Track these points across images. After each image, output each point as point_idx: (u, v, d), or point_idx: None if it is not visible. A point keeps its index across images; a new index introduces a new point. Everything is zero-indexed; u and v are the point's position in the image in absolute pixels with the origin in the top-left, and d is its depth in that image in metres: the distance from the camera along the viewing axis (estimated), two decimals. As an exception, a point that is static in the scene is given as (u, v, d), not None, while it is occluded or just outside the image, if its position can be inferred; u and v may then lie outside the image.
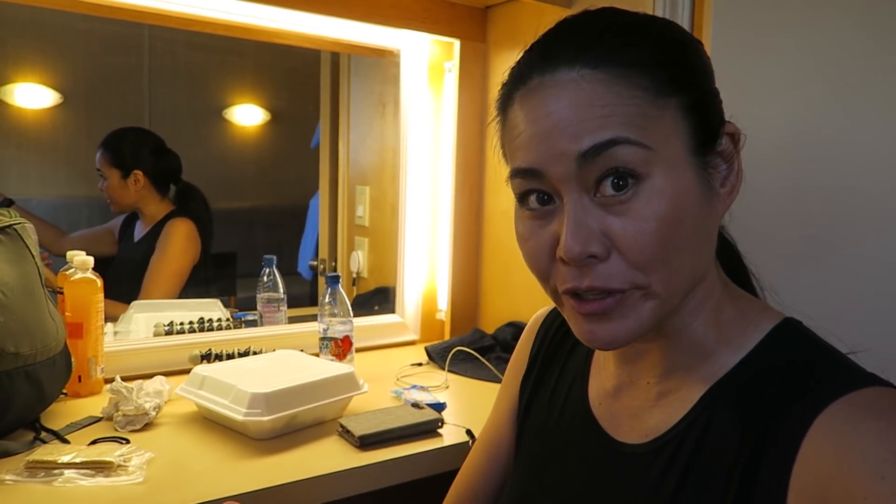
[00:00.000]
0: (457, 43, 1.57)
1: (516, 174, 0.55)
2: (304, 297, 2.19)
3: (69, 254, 1.18)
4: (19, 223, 1.04)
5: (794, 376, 0.51)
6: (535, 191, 0.54)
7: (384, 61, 1.80)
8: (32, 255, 1.04)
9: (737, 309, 0.58)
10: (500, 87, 0.58)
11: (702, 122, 0.53)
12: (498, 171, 1.58)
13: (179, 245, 1.74)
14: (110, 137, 1.79)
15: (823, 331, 0.56)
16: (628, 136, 0.50)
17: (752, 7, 1.02)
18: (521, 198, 0.56)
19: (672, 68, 0.52)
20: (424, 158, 1.66)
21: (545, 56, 0.54)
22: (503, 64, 1.56)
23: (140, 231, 1.78)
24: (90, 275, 1.17)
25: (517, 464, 0.73)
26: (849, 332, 0.62)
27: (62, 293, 1.16)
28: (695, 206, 0.52)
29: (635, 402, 0.61)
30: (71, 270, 1.17)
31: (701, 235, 0.54)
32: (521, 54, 0.57)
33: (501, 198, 1.59)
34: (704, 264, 0.56)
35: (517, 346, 0.82)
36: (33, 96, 1.82)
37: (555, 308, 0.80)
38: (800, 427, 0.47)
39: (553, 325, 0.78)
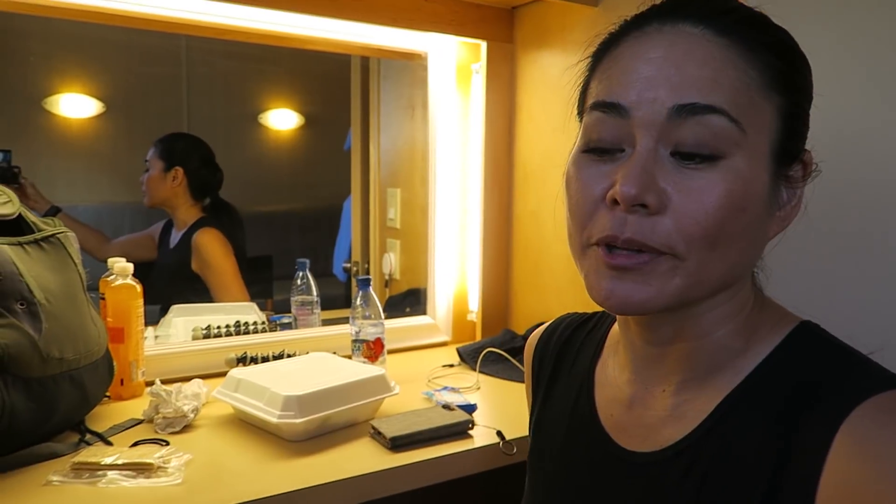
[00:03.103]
0: (483, 44, 1.57)
1: (597, 106, 0.53)
2: (339, 298, 2.22)
3: (110, 261, 1.22)
4: (62, 232, 1.08)
5: (814, 381, 0.50)
6: (605, 145, 0.52)
7: (413, 64, 1.81)
8: (75, 263, 1.08)
9: (762, 318, 0.57)
10: (604, 35, 0.57)
11: (790, 135, 0.52)
12: (527, 171, 1.59)
13: (219, 251, 1.79)
14: (167, 136, 1.87)
15: (841, 332, 0.55)
16: (729, 109, 0.48)
17: None
18: (588, 147, 0.54)
19: (787, 67, 0.52)
20: (453, 160, 1.67)
21: (671, 10, 0.53)
22: (531, 64, 1.55)
23: (175, 238, 1.83)
24: (130, 281, 1.21)
25: (529, 482, 0.72)
26: (864, 333, 0.60)
27: (104, 299, 1.20)
28: (758, 207, 0.51)
29: (649, 412, 0.59)
30: (112, 277, 1.21)
31: (750, 240, 0.52)
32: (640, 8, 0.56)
33: (530, 198, 1.58)
34: (741, 270, 0.54)
35: (525, 374, 0.81)
36: (77, 106, 1.89)
37: (549, 325, 0.79)
38: (826, 433, 0.46)
39: (550, 341, 0.76)
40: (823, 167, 0.56)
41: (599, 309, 0.63)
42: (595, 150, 0.53)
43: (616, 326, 0.67)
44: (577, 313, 0.78)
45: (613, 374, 0.65)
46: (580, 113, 0.59)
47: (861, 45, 0.92)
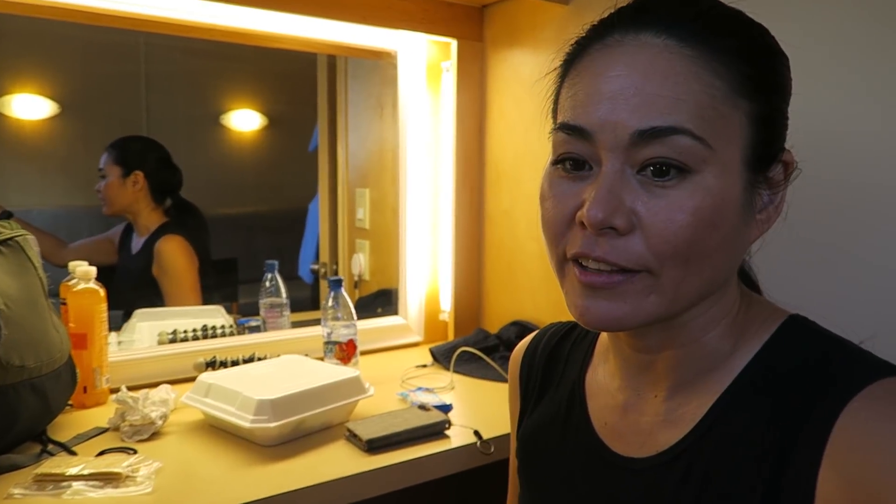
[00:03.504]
0: (454, 43, 1.57)
1: (563, 128, 0.52)
2: (305, 300, 2.19)
3: (71, 264, 1.18)
4: (20, 235, 1.04)
5: (807, 374, 0.50)
6: (574, 156, 0.52)
7: (382, 63, 1.80)
8: (35, 267, 1.04)
9: (749, 316, 0.57)
10: (571, 43, 0.55)
11: (764, 139, 0.51)
12: (499, 170, 1.58)
13: (181, 260, 1.74)
14: (119, 140, 1.80)
15: (832, 325, 0.55)
16: (692, 128, 0.47)
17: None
18: (558, 158, 0.53)
19: (756, 70, 0.50)
20: (424, 159, 1.66)
21: (633, 17, 0.51)
22: (501, 62, 1.55)
23: (136, 243, 1.77)
24: (93, 285, 1.17)
25: (523, 491, 0.71)
26: (854, 325, 0.61)
27: (65, 304, 1.16)
28: (733, 218, 0.50)
29: (644, 418, 0.58)
30: (73, 281, 1.16)
31: (727, 251, 0.51)
32: (604, 14, 0.54)
33: (502, 197, 1.58)
34: (720, 281, 0.54)
35: (508, 386, 0.80)
36: (31, 107, 1.82)
37: (533, 337, 0.78)
38: (823, 425, 0.46)
39: (536, 352, 0.75)
40: (805, 165, 0.55)
41: None
42: (565, 163, 0.53)
43: (604, 334, 0.67)
44: (559, 323, 0.77)
45: (605, 381, 0.64)
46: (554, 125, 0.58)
47: (839, 41, 0.93)
